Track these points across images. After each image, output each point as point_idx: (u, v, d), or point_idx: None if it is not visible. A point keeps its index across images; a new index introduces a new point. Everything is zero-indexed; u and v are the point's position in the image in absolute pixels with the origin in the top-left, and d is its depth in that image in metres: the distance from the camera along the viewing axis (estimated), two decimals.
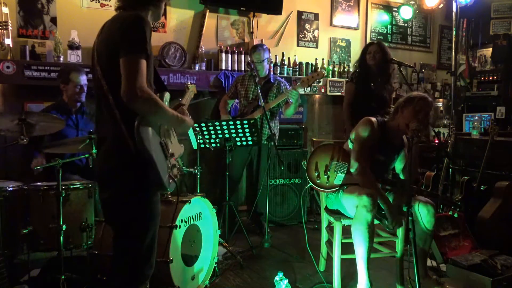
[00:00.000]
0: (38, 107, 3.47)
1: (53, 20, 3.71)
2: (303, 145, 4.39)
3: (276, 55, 4.70)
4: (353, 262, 2.56)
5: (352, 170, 2.61)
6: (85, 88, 3.16)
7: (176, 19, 4.26)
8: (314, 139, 4.79)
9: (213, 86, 4.22)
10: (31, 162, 2.93)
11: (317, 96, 5.12)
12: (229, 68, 4.36)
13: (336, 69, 5.11)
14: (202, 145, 3.29)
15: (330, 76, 5.04)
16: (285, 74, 4.65)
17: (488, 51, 5.89)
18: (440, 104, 6.09)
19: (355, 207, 2.46)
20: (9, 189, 2.51)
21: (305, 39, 5.05)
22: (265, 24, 4.75)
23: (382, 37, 5.62)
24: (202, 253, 2.71)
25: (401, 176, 2.83)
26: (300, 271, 3.03)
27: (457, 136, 4.23)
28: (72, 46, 3.63)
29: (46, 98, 3.49)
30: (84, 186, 2.63)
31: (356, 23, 5.43)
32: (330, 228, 2.86)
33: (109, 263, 2.27)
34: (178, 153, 1.92)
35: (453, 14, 5.20)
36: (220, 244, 3.04)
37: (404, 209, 2.62)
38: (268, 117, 3.62)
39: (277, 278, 2.39)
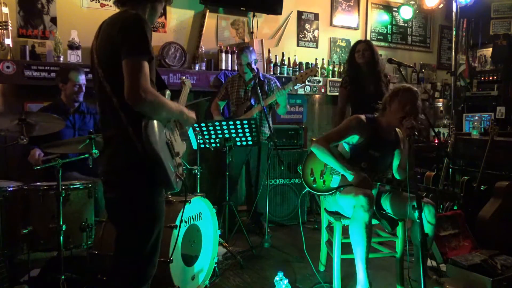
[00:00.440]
0: (38, 107, 3.45)
1: (53, 20, 3.71)
2: (303, 145, 4.39)
3: (276, 55, 4.71)
4: (353, 262, 2.55)
5: (311, 148, 2.69)
6: (84, 88, 3.15)
7: (176, 19, 4.26)
8: (314, 139, 4.78)
9: (213, 86, 4.22)
10: (28, 155, 2.91)
11: (317, 96, 5.12)
12: (229, 68, 4.36)
13: (336, 69, 5.11)
14: (202, 145, 3.29)
15: (330, 76, 5.05)
16: (285, 74, 4.66)
17: (488, 51, 5.88)
18: (440, 104, 6.09)
19: (352, 207, 2.46)
20: (9, 189, 2.51)
21: (305, 39, 5.05)
22: (265, 24, 4.75)
23: (382, 37, 5.63)
24: (202, 253, 2.71)
25: (395, 175, 2.81)
26: (300, 271, 3.03)
27: (457, 136, 4.23)
28: (72, 46, 3.63)
29: (46, 98, 3.49)
30: (84, 186, 2.63)
31: (356, 23, 5.43)
32: (330, 228, 2.86)
33: (109, 263, 2.27)
34: (182, 151, 1.92)
35: (453, 14, 5.20)
36: (220, 244, 3.05)
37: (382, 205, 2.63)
38: (258, 116, 3.63)
39: (277, 278, 2.39)
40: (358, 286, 2.49)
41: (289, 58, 4.77)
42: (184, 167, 2.67)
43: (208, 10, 4.34)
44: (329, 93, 4.98)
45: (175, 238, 2.36)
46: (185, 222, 2.52)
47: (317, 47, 5.13)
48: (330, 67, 5.07)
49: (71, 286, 2.42)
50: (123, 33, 1.58)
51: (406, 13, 5.55)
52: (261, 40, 4.57)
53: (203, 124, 3.27)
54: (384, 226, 2.62)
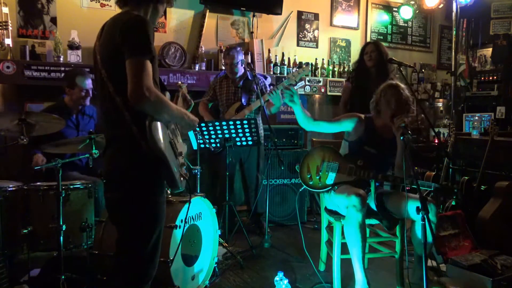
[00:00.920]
0: (38, 107, 3.47)
1: (53, 20, 3.71)
2: (303, 145, 4.39)
3: (276, 55, 4.71)
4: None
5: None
6: (90, 92, 3.16)
7: (176, 19, 4.26)
8: (314, 139, 4.78)
9: None
10: (31, 161, 2.93)
11: (317, 96, 5.12)
12: None
13: (336, 69, 5.11)
14: (202, 145, 3.29)
15: (330, 76, 5.05)
16: (285, 74, 4.65)
17: (488, 51, 5.89)
18: (440, 104, 6.09)
19: (345, 207, 2.47)
20: (9, 189, 2.51)
21: (305, 39, 5.05)
22: (265, 24, 4.75)
23: (382, 37, 5.62)
24: (202, 253, 2.70)
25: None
26: (300, 271, 3.03)
27: (457, 136, 4.22)
28: (72, 46, 3.63)
29: (46, 98, 3.49)
30: (84, 186, 2.63)
31: (356, 23, 5.43)
32: (330, 228, 2.86)
33: (109, 263, 2.28)
34: (184, 152, 1.93)
35: (453, 14, 5.20)
36: (220, 244, 3.04)
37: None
38: (253, 116, 3.62)
39: (277, 278, 2.39)
40: (357, 287, 2.49)
41: (289, 58, 4.77)
42: (185, 167, 2.68)
43: (208, 10, 4.34)
44: (329, 93, 4.98)
45: (176, 238, 2.37)
46: (185, 222, 2.52)
47: (317, 47, 5.13)
48: (330, 67, 5.07)
49: (71, 286, 2.41)
50: (126, 33, 1.59)
51: (406, 13, 5.55)
52: (261, 40, 4.58)
53: (203, 124, 3.27)
54: (383, 225, 2.62)
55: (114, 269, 1.89)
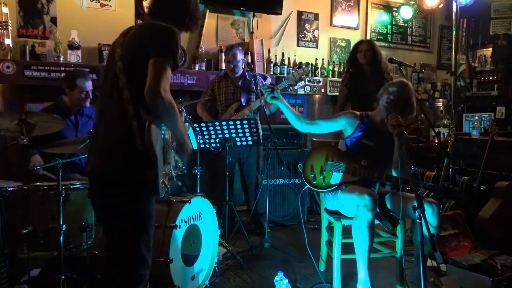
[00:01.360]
0: (38, 107, 3.46)
1: (53, 20, 3.71)
2: (303, 145, 4.39)
3: (276, 55, 4.71)
4: (353, 262, 2.55)
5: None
6: (91, 94, 3.15)
7: None
8: (314, 139, 4.78)
9: None
10: (29, 161, 2.92)
11: (317, 96, 5.12)
12: None
13: (336, 69, 5.11)
14: (202, 145, 3.29)
15: (330, 76, 5.05)
16: (285, 74, 4.65)
17: (488, 51, 5.88)
18: (440, 104, 6.09)
19: (356, 206, 2.46)
20: (9, 189, 2.51)
21: (305, 39, 5.05)
22: (265, 24, 4.75)
23: (382, 37, 5.63)
24: (202, 253, 2.71)
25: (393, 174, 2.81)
26: (300, 271, 3.03)
27: (457, 136, 4.22)
28: (72, 46, 3.63)
29: (46, 98, 3.49)
30: (84, 186, 2.63)
31: (356, 23, 5.43)
32: (330, 228, 2.86)
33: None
34: (171, 165, 1.96)
35: (453, 14, 5.20)
36: (220, 244, 3.04)
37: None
38: (252, 116, 3.63)
39: (277, 278, 2.39)
40: (359, 286, 2.49)
41: (289, 58, 4.77)
42: (185, 167, 2.68)
43: (208, 10, 4.33)
44: (329, 93, 4.98)
45: (176, 238, 2.37)
46: (185, 222, 2.52)
47: (317, 47, 5.13)
48: (330, 67, 5.07)
49: (71, 286, 2.42)
50: (157, 35, 1.68)
51: (406, 13, 5.55)
52: (261, 40, 4.57)
53: (203, 124, 3.27)
54: (384, 225, 2.62)
55: (107, 270, 1.89)
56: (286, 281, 2.39)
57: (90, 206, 2.64)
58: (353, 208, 2.51)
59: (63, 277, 2.37)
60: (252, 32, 4.63)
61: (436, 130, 4.92)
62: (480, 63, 6.03)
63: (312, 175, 2.73)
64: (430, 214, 2.54)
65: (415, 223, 2.58)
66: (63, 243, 2.39)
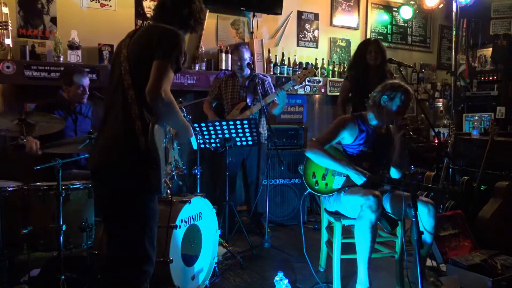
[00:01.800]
0: None
1: (53, 20, 3.71)
2: (303, 145, 4.38)
3: (276, 55, 4.71)
4: (353, 262, 2.56)
5: (306, 153, 2.67)
6: (87, 90, 3.16)
7: None
8: (314, 139, 4.78)
9: None
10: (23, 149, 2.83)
11: (317, 96, 5.12)
12: (229, 68, 4.35)
13: (336, 69, 5.11)
14: (202, 145, 3.29)
15: (330, 76, 5.05)
16: (285, 74, 4.66)
17: (488, 51, 5.88)
18: (440, 104, 6.09)
19: (360, 206, 2.46)
20: (9, 189, 2.51)
21: (305, 39, 5.05)
22: (265, 24, 4.75)
23: (382, 37, 5.62)
24: (202, 253, 2.71)
25: (392, 173, 2.81)
26: (300, 271, 3.03)
27: (457, 136, 4.23)
28: (72, 46, 3.63)
29: (46, 98, 3.48)
30: (84, 186, 2.64)
31: (356, 23, 5.43)
32: (330, 228, 2.86)
33: None
34: (172, 164, 1.97)
35: (453, 14, 5.20)
36: (220, 244, 3.04)
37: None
38: (257, 116, 3.63)
39: (277, 278, 2.39)
40: (358, 285, 2.49)
41: (289, 58, 4.77)
42: (185, 167, 2.68)
43: (208, 10, 4.33)
44: (329, 93, 4.98)
45: (176, 238, 2.37)
46: (185, 222, 2.52)
47: (317, 47, 5.13)
48: (330, 67, 5.07)
49: (71, 286, 2.42)
50: (163, 38, 1.71)
51: (406, 13, 5.55)
52: (261, 40, 4.57)
53: (203, 124, 3.27)
54: (384, 226, 2.62)
55: (108, 269, 1.90)
56: (286, 281, 2.39)
57: (90, 206, 2.65)
58: (356, 209, 2.51)
59: (63, 277, 2.37)
60: (252, 32, 4.63)
61: (436, 130, 4.92)
62: (480, 63, 6.02)
63: (314, 180, 2.74)
64: (426, 214, 2.54)
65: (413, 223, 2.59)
66: (63, 243, 2.39)
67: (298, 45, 5.00)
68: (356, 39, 5.42)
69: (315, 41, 5.12)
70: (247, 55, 3.69)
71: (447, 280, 2.75)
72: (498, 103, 5.46)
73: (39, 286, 2.54)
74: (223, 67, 4.33)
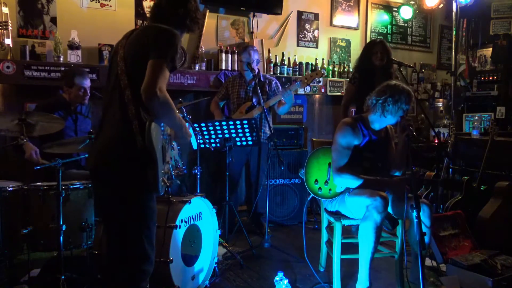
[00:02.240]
0: None
1: (53, 20, 3.71)
2: (303, 145, 4.39)
3: (276, 55, 4.71)
4: (353, 262, 2.56)
5: (334, 182, 2.65)
6: (89, 92, 3.15)
7: None
8: (314, 139, 4.79)
9: (213, 86, 4.22)
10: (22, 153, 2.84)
11: (317, 96, 5.12)
12: (229, 68, 4.36)
13: (336, 69, 5.11)
14: (202, 145, 3.29)
15: (330, 76, 5.05)
16: (285, 74, 4.66)
17: (488, 51, 5.89)
18: (440, 104, 6.09)
19: (365, 207, 2.46)
20: (9, 189, 2.51)
21: (305, 39, 5.05)
22: (265, 24, 4.75)
23: (382, 37, 5.61)
24: (202, 253, 2.71)
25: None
26: (300, 271, 3.03)
27: (457, 136, 4.23)
28: (72, 46, 3.63)
29: (46, 98, 3.48)
30: (84, 186, 2.63)
31: (356, 23, 5.43)
32: (330, 228, 2.86)
33: None
34: (170, 164, 1.98)
35: (453, 14, 5.20)
36: (220, 244, 3.04)
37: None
38: (264, 116, 3.64)
39: (277, 278, 2.39)
40: (358, 285, 2.49)
41: (289, 58, 4.77)
42: (185, 167, 2.69)
43: (208, 10, 4.34)
44: (329, 93, 4.98)
45: (176, 238, 2.37)
46: (185, 222, 2.52)
47: (317, 47, 5.13)
48: (330, 67, 5.07)
49: (71, 286, 2.42)
50: (158, 38, 1.71)
51: (406, 13, 5.55)
52: (261, 40, 4.57)
53: (203, 124, 3.27)
54: (384, 225, 2.62)
55: (108, 269, 1.90)
56: (286, 281, 2.39)
57: (90, 206, 2.65)
58: (361, 209, 2.51)
59: (63, 277, 2.37)
60: (252, 32, 4.63)
61: (436, 130, 4.92)
62: (480, 63, 6.03)
63: (317, 186, 2.76)
64: (421, 214, 2.54)
65: (412, 223, 2.59)
66: (63, 243, 2.39)
67: (298, 45, 5.00)
68: (356, 39, 5.43)
69: (315, 41, 5.12)
70: (255, 56, 3.72)
71: (447, 280, 2.75)
72: (498, 103, 5.46)
73: (39, 286, 2.54)
74: (223, 67, 4.34)
